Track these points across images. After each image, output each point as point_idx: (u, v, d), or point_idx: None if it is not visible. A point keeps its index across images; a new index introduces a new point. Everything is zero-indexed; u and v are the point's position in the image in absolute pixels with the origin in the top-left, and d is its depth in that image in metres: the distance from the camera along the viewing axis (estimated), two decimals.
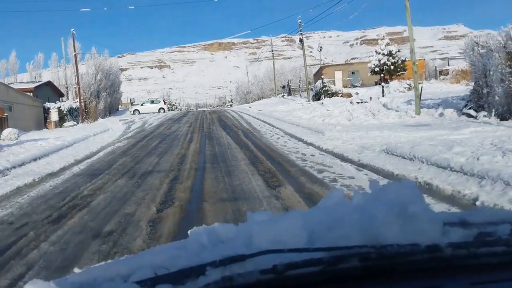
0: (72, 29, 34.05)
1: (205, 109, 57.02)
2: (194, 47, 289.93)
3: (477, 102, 15.42)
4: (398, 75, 38.78)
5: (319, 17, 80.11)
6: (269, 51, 59.25)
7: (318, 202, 1.04)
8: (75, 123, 30.11)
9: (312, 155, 9.06)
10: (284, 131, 14.94)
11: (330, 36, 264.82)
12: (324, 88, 35.20)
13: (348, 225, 0.90)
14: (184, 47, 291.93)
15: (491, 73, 14.44)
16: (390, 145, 8.65)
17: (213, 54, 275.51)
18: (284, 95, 50.63)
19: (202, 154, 10.28)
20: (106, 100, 37.90)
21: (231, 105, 74.79)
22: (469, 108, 15.65)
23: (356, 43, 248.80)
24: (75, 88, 42.16)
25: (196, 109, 63.06)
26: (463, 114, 15.58)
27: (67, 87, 45.21)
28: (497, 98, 14.21)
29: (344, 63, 69.79)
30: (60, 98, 40.08)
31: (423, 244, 0.84)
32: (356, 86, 39.56)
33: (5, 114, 23.31)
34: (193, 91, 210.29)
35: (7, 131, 18.80)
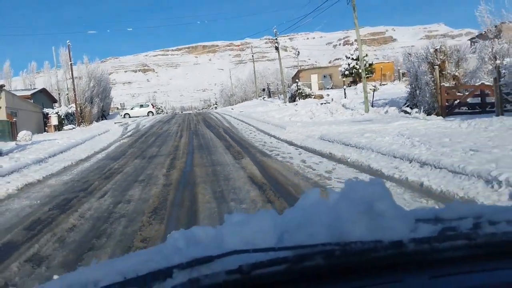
0: (68, 41, 37.16)
1: (191, 112, 60.31)
2: (178, 50, 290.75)
3: (412, 101, 19.20)
4: (367, 77, 42.60)
5: (302, 20, 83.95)
6: (253, 54, 62.72)
7: (296, 203, 1.04)
8: (73, 126, 33.26)
9: (270, 143, 12.64)
10: (256, 128, 18.51)
11: (314, 37, 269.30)
12: (299, 91, 38.86)
13: (315, 225, 0.91)
14: (168, 50, 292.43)
15: (420, 78, 18.23)
16: (325, 134, 12.26)
17: (197, 57, 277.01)
18: (264, 97, 54.20)
19: (191, 145, 13.79)
20: (99, 105, 41.05)
21: (215, 108, 78.00)
22: (406, 106, 19.42)
23: (339, 44, 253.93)
24: (67, 94, 45.20)
25: (181, 112, 66.04)
26: (402, 111, 19.35)
27: (59, 94, 48.02)
28: (425, 98, 18.00)
29: (319, 66, 73.64)
30: (53, 104, 42.94)
31: (386, 241, 0.84)
32: (328, 89, 43.28)
33: (14, 119, 26.41)
34: (178, 94, 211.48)
35: (22, 133, 21.92)
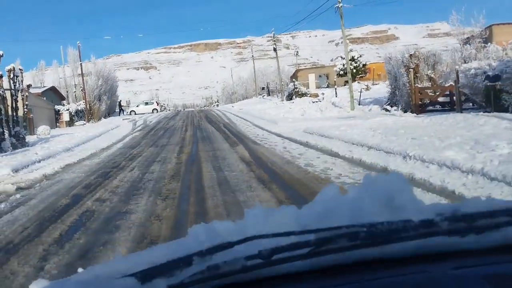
0: (78, 42, 39.53)
1: (193, 109, 62.65)
2: (180, 48, 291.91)
3: (392, 100, 21.48)
4: (360, 77, 44.84)
5: (300, 23, 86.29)
6: (255, 51, 64.90)
7: (315, 198, 1.04)
8: (84, 122, 35.65)
9: (262, 135, 14.98)
10: (253, 123, 20.83)
11: (316, 35, 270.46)
12: (296, 90, 41.14)
13: (337, 215, 0.90)
14: (170, 47, 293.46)
15: (399, 80, 20.49)
16: (308, 128, 14.57)
17: (199, 54, 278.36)
18: (264, 96, 56.48)
19: (195, 136, 16.15)
20: (106, 102, 43.43)
21: (217, 105, 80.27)
22: (387, 105, 21.70)
23: (341, 42, 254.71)
24: (74, 92, 47.52)
25: (184, 109, 68.24)
26: (383, 109, 21.63)
27: (67, 91, 50.32)
28: (402, 97, 20.27)
29: (316, 66, 75.84)
30: (62, 101, 45.28)
31: (416, 220, 0.82)
32: (324, 88, 45.54)
33: (31, 115, 28.77)
34: (180, 91, 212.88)
35: (41, 128, 24.30)
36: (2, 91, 17.68)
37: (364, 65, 44.49)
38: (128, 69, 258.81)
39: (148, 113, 44.54)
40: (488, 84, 13.47)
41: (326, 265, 0.82)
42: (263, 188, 6.20)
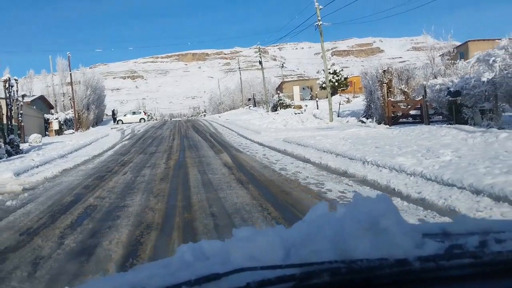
0: (68, 53, 40.34)
1: (180, 119, 63.61)
2: (167, 57, 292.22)
3: (368, 112, 22.81)
4: (342, 89, 46.36)
5: (290, 34, 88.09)
6: (243, 62, 66.14)
7: (304, 216, 1.07)
8: (73, 131, 36.35)
9: (245, 143, 16.09)
10: (237, 133, 21.94)
11: (302, 48, 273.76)
12: (280, 101, 42.49)
13: (321, 241, 0.92)
14: (158, 57, 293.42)
15: (374, 93, 21.82)
16: (287, 137, 15.73)
17: (187, 64, 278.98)
18: (250, 106, 57.72)
19: (182, 145, 17.18)
20: (94, 112, 44.19)
21: (204, 115, 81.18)
22: (363, 117, 23.01)
23: (328, 54, 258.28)
24: (63, 101, 48.13)
25: (171, 119, 69.00)
26: (359, 121, 22.92)
27: (55, 100, 50.90)
28: (377, 110, 21.59)
29: (301, 79, 77.56)
30: (50, 110, 45.84)
31: (392, 258, 0.86)
32: (307, 100, 46.97)
33: (22, 124, 29.44)
34: (167, 101, 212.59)
35: (33, 136, 25.02)
36: None
37: (345, 78, 46.07)
38: (114, 78, 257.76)
39: (136, 122, 45.38)
40: (450, 99, 14.82)
41: None
42: (241, 187, 7.29)
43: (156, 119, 73.30)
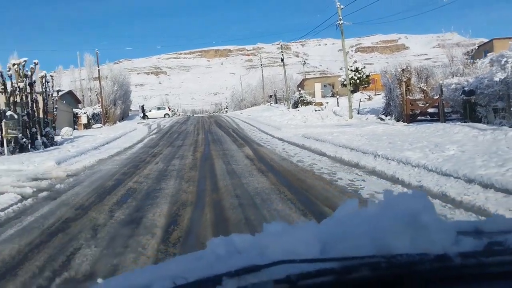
0: (96, 50, 41.93)
1: (203, 115, 64.93)
2: (190, 54, 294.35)
3: (387, 110, 23.32)
4: (364, 87, 46.66)
5: (318, 28, 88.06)
6: (265, 58, 66.82)
7: (333, 212, 1.09)
8: (101, 125, 37.91)
9: (266, 139, 16.95)
10: (259, 129, 22.82)
11: (326, 44, 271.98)
12: (301, 98, 43.15)
13: (359, 236, 0.92)
14: (181, 53, 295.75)
15: (393, 91, 22.35)
16: (306, 133, 16.52)
17: (209, 60, 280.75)
18: (271, 103, 58.50)
19: (207, 139, 18.17)
20: (121, 107, 45.77)
21: (226, 111, 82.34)
22: (383, 114, 23.55)
23: (352, 51, 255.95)
24: (90, 96, 49.89)
25: (193, 115, 70.13)
26: (378, 118, 23.47)
27: (83, 95, 52.78)
28: (396, 108, 22.11)
29: (322, 76, 77.74)
30: (77, 104, 47.63)
31: (432, 254, 0.86)
32: (328, 97, 47.46)
33: (56, 117, 31.02)
34: (189, 97, 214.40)
35: (65, 129, 26.52)
36: (35, 95, 19.83)
37: (367, 76, 46.33)
38: (138, 73, 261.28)
39: (160, 117, 46.77)
40: (464, 98, 15.33)
41: (350, 286, 0.84)
42: (261, 175, 8.16)
43: (179, 115, 74.94)
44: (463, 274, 0.88)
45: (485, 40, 36.68)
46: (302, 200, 5.93)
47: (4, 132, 15.04)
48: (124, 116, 49.85)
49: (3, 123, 15.07)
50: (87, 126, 38.23)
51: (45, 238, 4.74)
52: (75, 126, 38.14)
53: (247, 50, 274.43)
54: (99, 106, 42.31)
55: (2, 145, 15.60)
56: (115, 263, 3.77)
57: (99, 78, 41.58)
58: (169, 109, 52.87)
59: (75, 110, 40.12)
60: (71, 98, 46.68)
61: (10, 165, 12.03)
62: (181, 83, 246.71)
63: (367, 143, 11.74)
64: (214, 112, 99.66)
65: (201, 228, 4.81)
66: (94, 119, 41.12)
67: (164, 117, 47.99)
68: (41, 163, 11.89)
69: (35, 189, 7.96)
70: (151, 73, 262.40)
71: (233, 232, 3.49)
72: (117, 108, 44.25)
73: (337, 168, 8.68)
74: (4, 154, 15.05)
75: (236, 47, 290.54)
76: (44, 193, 7.57)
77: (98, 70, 41.81)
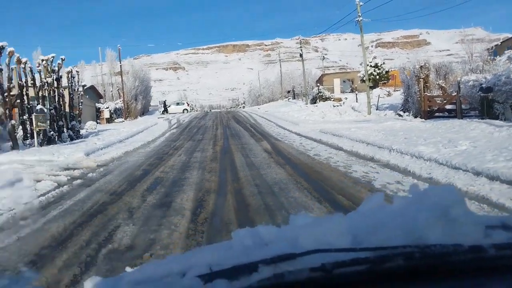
0: (118, 45, 42.96)
1: (220, 110, 65.71)
2: (208, 49, 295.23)
3: (405, 106, 23.46)
4: (383, 83, 46.56)
5: (337, 24, 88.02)
6: (283, 53, 66.96)
7: (359, 206, 1.11)
8: (123, 120, 38.88)
9: (284, 133, 17.38)
10: (276, 124, 23.25)
11: (346, 39, 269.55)
12: (319, 94, 43.38)
13: (391, 228, 0.93)
14: (199, 49, 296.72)
15: (411, 88, 22.48)
16: (323, 129, 16.88)
17: (227, 56, 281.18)
18: (289, 99, 58.78)
19: (225, 133, 18.71)
20: (141, 102, 46.78)
21: (243, 107, 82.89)
22: (401, 110, 23.69)
23: (372, 46, 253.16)
24: (111, 91, 51.02)
25: (210, 110, 70.91)
26: (397, 114, 23.63)
27: (104, 90, 53.97)
28: (414, 104, 22.25)
29: (341, 71, 77.47)
30: (99, 99, 48.77)
31: (466, 245, 0.87)
32: (347, 92, 47.52)
33: (81, 112, 32.00)
34: (206, 92, 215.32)
35: (89, 123, 27.45)
36: (62, 90, 20.65)
37: (387, 72, 46.20)
38: (157, 69, 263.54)
39: (179, 113, 47.63)
40: (482, 95, 15.47)
41: (385, 275, 0.85)
42: (279, 167, 8.62)
43: (196, 110, 75.95)
44: (497, 265, 0.88)
45: (510, 36, 36.09)
46: (318, 189, 6.36)
47: (34, 125, 15.82)
48: (145, 111, 50.88)
49: (33, 116, 15.85)
50: (109, 120, 39.25)
51: (86, 218, 5.30)
52: (98, 121, 39.21)
53: (266, 45, 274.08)
54: (120, 101, 43.32)
55: (32, 137, 16.43)
56: (152, 238, 4.30)
57: (121, 73, 42.54)
58: (188, 105, 53.74)
59: (98, 105, 41.19)
60: (93, 93, 47.81)
61: (41, 156, 12.74)
62: (199, 79, 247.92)
63: (384, 138, 12.07)
64: (231, 107, 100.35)
65: (225, 211, 5.30)
66: (116, 113, 42.15)
67: (183, 112, 48.83)
68: (70, 154, 12.57)
69: (69, 177, 8.60)
70: (170, 69, 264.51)
71: (254, 215, 4.01)
72: (138, 103, 45.24)
73: (353, 161, 9.08)
74: (34, 146, 15.84)
75: (254, 42, 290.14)
76: (78, 181, 8.19)
77: (120, 66, 42.78)
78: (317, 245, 0.88)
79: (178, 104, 53.10)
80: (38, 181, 8.32)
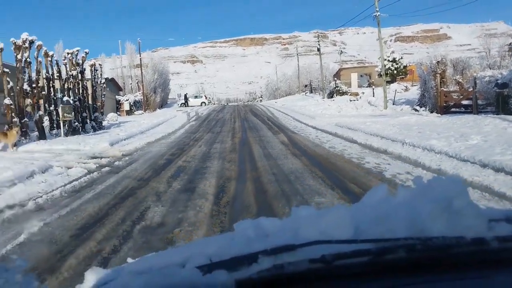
0: (138, 39, 43.71)
1: (237, 103, 66.24)
2: (226, 42, 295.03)
3: (421, 101, 23.56)
4: (401, 77, 46.35)
5: (355, 19, 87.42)
6: (301, 47, 66.89)
7: (362, 198, 1.10)
8: (142, 112, 39.72)
9: (300, 127, 17.77)
10: (293, 117, 23.63)
11: (364, 33, 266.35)
12: (336, 88, 43.49)
13: (394, 220, 0.93)
14: (217, 42, 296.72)
15: (427, 83, 22.57)
16: (339, 122, 17.21)
17: (245, 49, 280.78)
18: (306, 93, 58.92)
19: (243, 126, 19.19)
20: (160, 95, 47.61)
21: (260, 101, 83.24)
22: (417, 105, 23.80)
23: (391, 40, 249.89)
24: (130, 84, 51.93)
25: (227, 103, 71.46)
26: (413, 109, 23.74)
27: (124, 83, 54.93)
28: (430, 99, 22.35)
29: (359, 66, 76.98)
30: (119, 91, 49.69)
31: (468, 237, 0.86)
32: (364, 87, 47.45)
33: (104, 104, 32.85)
34: (224, 86, 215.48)
35: (110, 115, 28.28)
36: (85, 83, 21.37)
37: (405, 67, 45.97)
38: (175, 62, 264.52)
39: (197, 105, 48.33)
40: (497, 90, 15.57)
41: (386, 267, 0.84)
42: (295, 158, 9.05)
43: (214, 103, 76.67)
44: (501, 258, 0.87)
45: None
46: (331, 178, 6.77)
47: (61, 116, 16.54)
48: (163, 103, 51.74)
49: (60, 108, 16.57)
50: (129, 112, 40.11)
51: (118, 201, 5.83)
52: (118, 113, 40.16)
53: (283, 39, 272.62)
54: (139, 93, 44.16)
55: (58, 128, 17.17)
56: (179, 217, 4.79)
57: (140, 67, 43.35)
58: (206, 98, 54.40)
59: (117, 97, 42.11)
60: (113, 86, 48.78)
61: (68, 145, 13.41)
62: (216, 72, 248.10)
63: (398, 132, 12.36)
64: (248, 101, 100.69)
65: (245, 196, 5.77)
66: (135, 106, 43.00)
67: (201, 105, 49.51)
68: (95, 144, 13.20)
69: (97, 165, 9.18)
70: (187, 62, 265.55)
71: (272, 199, 4.51)
72: (157, 96, 46.08)
73: (366, 153, 9.44)
74: (60, 136, 16.57)
75: (272, 36, 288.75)
76: (106, 168, 8.76)
77: (140, 59, 43.57)
78: (319, 237, 0.89)
79: (196, 97, 53.84)
80: (69, 168, 8.91)
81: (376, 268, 0.84)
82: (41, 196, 6.21)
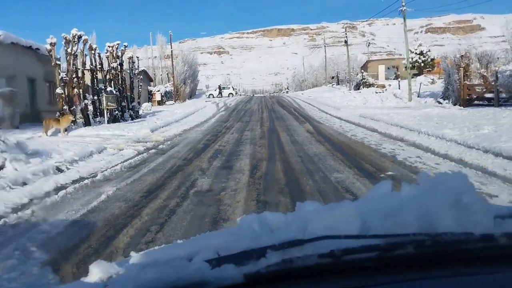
0: (170, 31, 45.20)
1: (264, 95, 67.30)
2: (253, 33, 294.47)
3: (445, 94, 24.06)
4: (428, 70, 46.34)
5: (382, 12, 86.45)
6: (329, 38, 66.86)
7: (367, 193, 1.13)
8: (173, 102, 41.36)
9: (325, 117, 18.75)
10: (319, 108, 24.57)
11: (394, 24, 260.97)
12: (363, 80, 43.98)
13: (402, 215, 0.93)
14: (243, 33, 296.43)
15: (451, 76, 23.05)
16: (363, 113, 18.09)
17: (271, 40, 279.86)
18: (333, 84, 59.40)
19: (271, 116, 20.32)
20: (190, 85, 49.23)
21: (287, 92, 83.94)
22: (441, 98, 24.32)
23: (421, 31, 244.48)
24: (161, 75, 53.65)
25: (253, 95, 72.53)
26: (437, 101, 24.27)
27: (154, 74, 56.71)
28: (454, 92, 22.85)
29: (387, 58, 76.55)
30: (150, 82, 51.42)
31: (477, 233, 0.86)
32: (391, 79, 47.68)
33: (141, 94, 34.53)
34: (250, 77, 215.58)
35: (145, 105, 29.87)
36: (124, 74, 22.87)
37: (432, 60, 45.94)
38: (201, 53, 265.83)
39: (225, 96, 49.71)
40: None
41: (395, 262, 0.84)
42: (319, 144, 10.12)
43: (240, 95, 77.99)
44: (509, 254, 0.88)
45: None
46: (350, 160, 7.82)
47: (104, 105, 18.04)
48: (192, 94, 53.38)
49: (104, 97, 18.06)
50: (160, 102, 41.78)
51: (170, 174, 7.06)
52: (150, 103, 41.90)
53: (311, 30, 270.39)
54: (170, 84, 45.81)
55: (101, 116, 18.70)
56: (223, 185, 5.97)
57: (171, 59, 44.93)
58: (233, 89, 55.76)
59: (149, 88, 43.84)
60: (145, 77, 50.60)
61: (113, 131, 14.82)
62: (243, 63, 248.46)
63: (417, 123, 13.20)
64: (274, 92, 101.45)
65: (275, 172, 6.89)
66: (166, 96, 44.67)
67: (228, 96, 50.86)
68: (137, 130, 14.57)
69: (144, 148, 10.48)
70: (214, 53, 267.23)
71: (298, 175, 5.76)
72: (187, 87, 47.70)
73: (384, 141, 10.41)
74: (103, 123, 18.08)
75: (299, 26, 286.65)
76: (153, 150, 10.05)
77: (171, 50, 45.15)
78: (327, 231, 0.89)
79: (223, 88, 55.26)
80: (120, 149, 10.24)
81: (385, 263, 0.86)
82: (106, 170, 7.50)
